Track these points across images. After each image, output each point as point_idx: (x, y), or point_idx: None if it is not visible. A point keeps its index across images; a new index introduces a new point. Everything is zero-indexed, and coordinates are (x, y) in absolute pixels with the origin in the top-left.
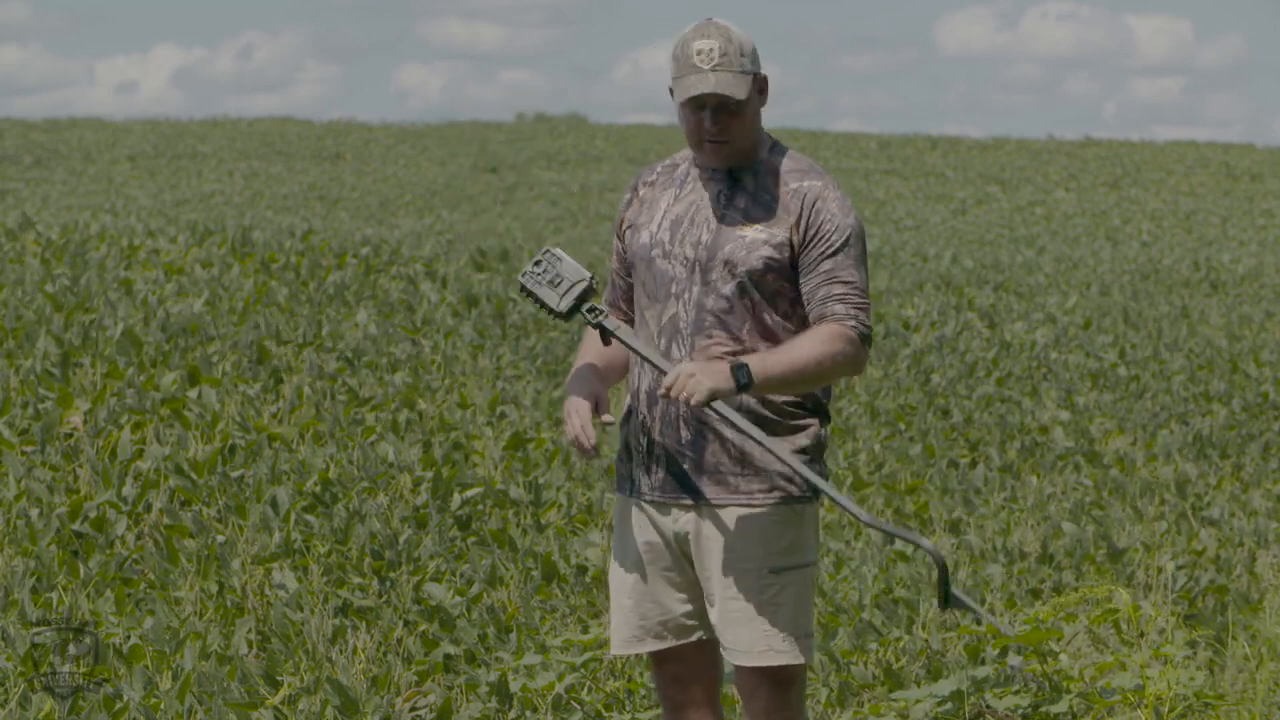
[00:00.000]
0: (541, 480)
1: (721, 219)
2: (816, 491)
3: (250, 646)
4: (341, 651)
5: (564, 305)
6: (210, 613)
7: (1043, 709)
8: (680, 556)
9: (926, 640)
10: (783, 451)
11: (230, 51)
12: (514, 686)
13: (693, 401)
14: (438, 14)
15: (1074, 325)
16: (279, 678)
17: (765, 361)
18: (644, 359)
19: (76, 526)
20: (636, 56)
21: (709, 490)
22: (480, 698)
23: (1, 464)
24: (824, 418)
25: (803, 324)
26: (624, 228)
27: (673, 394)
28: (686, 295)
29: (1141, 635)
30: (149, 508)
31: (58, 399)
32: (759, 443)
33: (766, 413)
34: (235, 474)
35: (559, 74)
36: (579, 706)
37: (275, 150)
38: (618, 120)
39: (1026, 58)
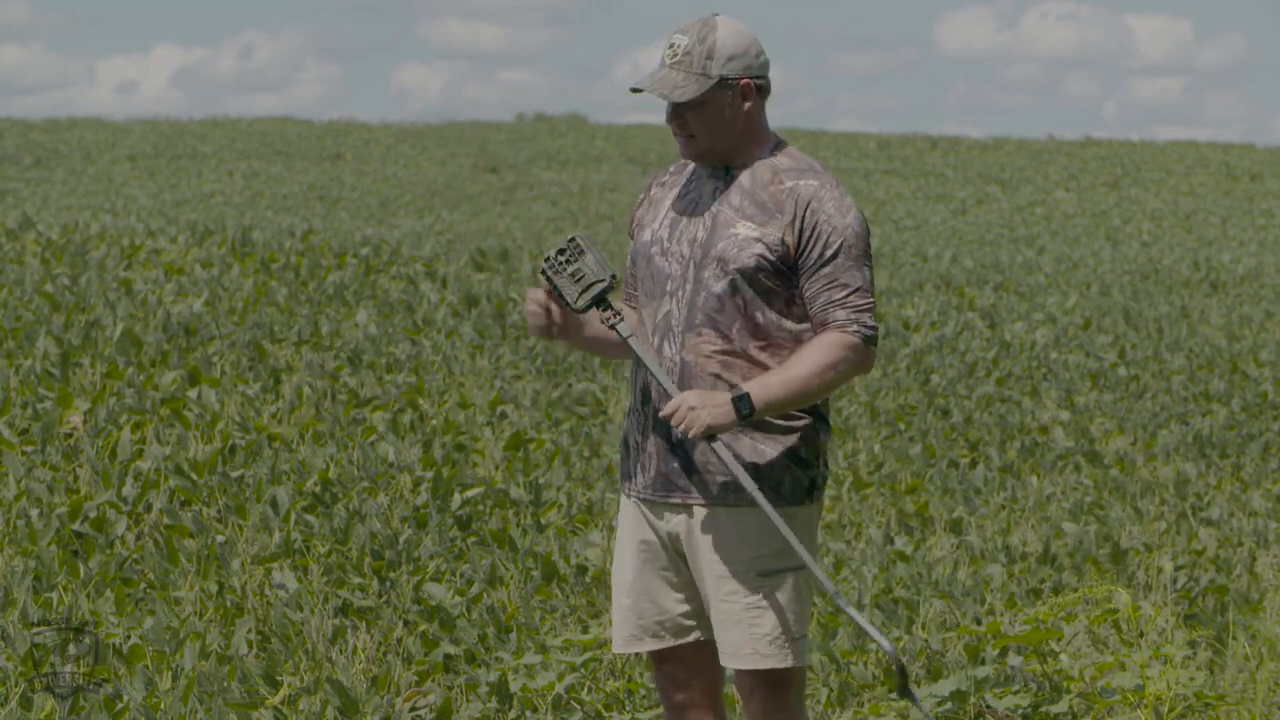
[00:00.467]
0: (541, 480)
1: (716, 216)
2: (811, 495)
3: (250, 646)
4: (341, 651)
5: (581, 303)
6: (210, 613)
7: (1043, 709)
8: (675, 556)
9: (926, 640)
10: (766, 505)
11: (230, 51)
12: (514, 686)
13: (690, 435)
14: (438, 14)
15: (1074, 325)
16: (279, 678)
17: (767, 387)
18: (651, 375)
19: (76, 526)
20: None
21: (698, 491)
22: (480, 698)
23: (1, 464)
24: (819, 418)
25: (797, 322)
26: (633, 226)
27: (671, 423)
28: (680, 292)
29: (1141, 635)
30: (149, 508)
31: (57, 399)
32: (747, 489)
33: None
34: (235, 474)
35: (559, 74)
36: (579, 706)
37: (275, 150)
38: (618, 120)
39: (1026, 58)
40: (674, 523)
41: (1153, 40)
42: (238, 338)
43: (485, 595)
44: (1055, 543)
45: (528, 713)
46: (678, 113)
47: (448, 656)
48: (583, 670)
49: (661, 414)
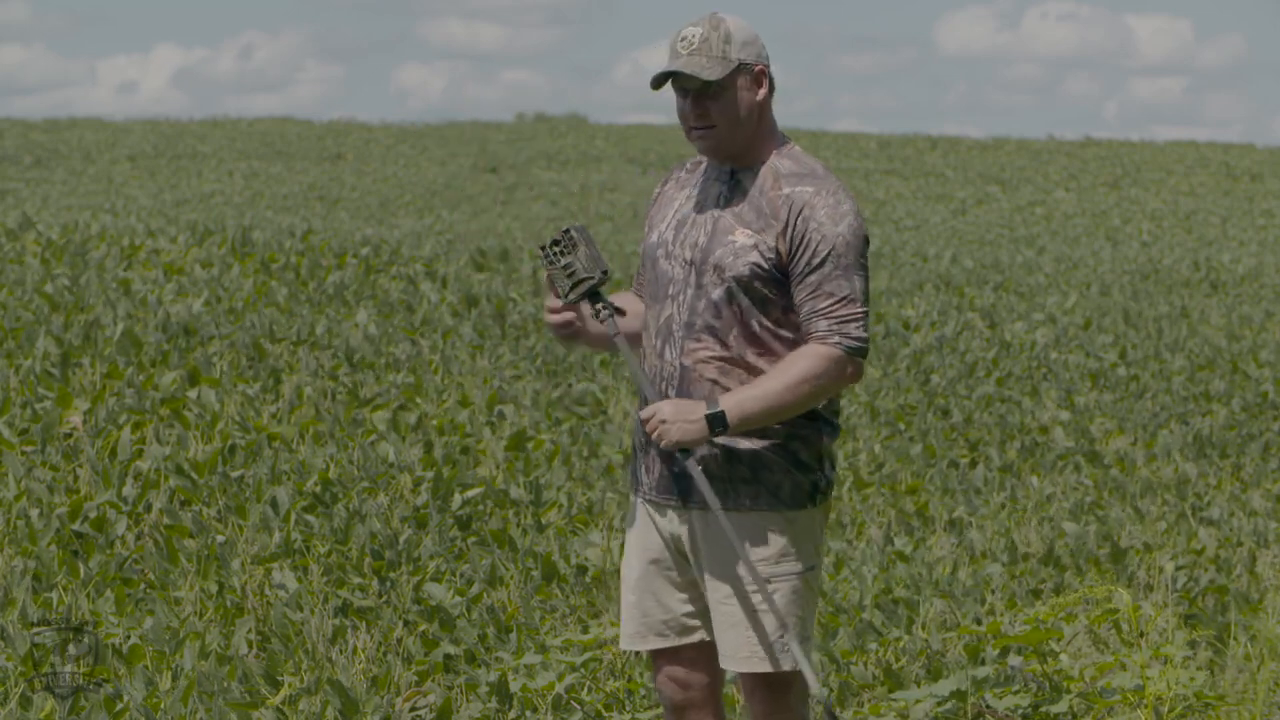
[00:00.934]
0: (542, 480)
1: (717, 221)
2: (814, 499)
3: (250, 646)
4: (341, 651)
5: (571, 297)
6: (210, 613)
7: (1043, 709)
8: (679, 556)
9: (926, 640)
10: (725, 523)
11: (231, 51)
12: (514, 686)
13: (661, 445)
14: (438, 14)
15: (1074, 325)
16: (279, 678)
17: (743, 403)
18: (635, 379)
19: (76, 526)
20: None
21: (698, 493)
22: (480, 698)
23: (1, 464)
24: (823, 421)
25: (794, 331)
26: (647, 224)
27: (646, 430)
28: (681, 297)
29: (1141, 635)
30: (149, 508)
31: (57, 399)
32: (711, 506)
33: None
34: (235, 474)
35: (559, 74)
36: (579, 706)
37: (275, 150)
38: (618, 120)
39: (1027, 58)
40: (677, 524)
41: (1153, 40)
42: (237, 338)
43: (485, 595)
44: (1056, 543)
45: (528, 713)
46: (699, 103)
47: (448, 656)
48: (583, 670)
49: (641, 416)
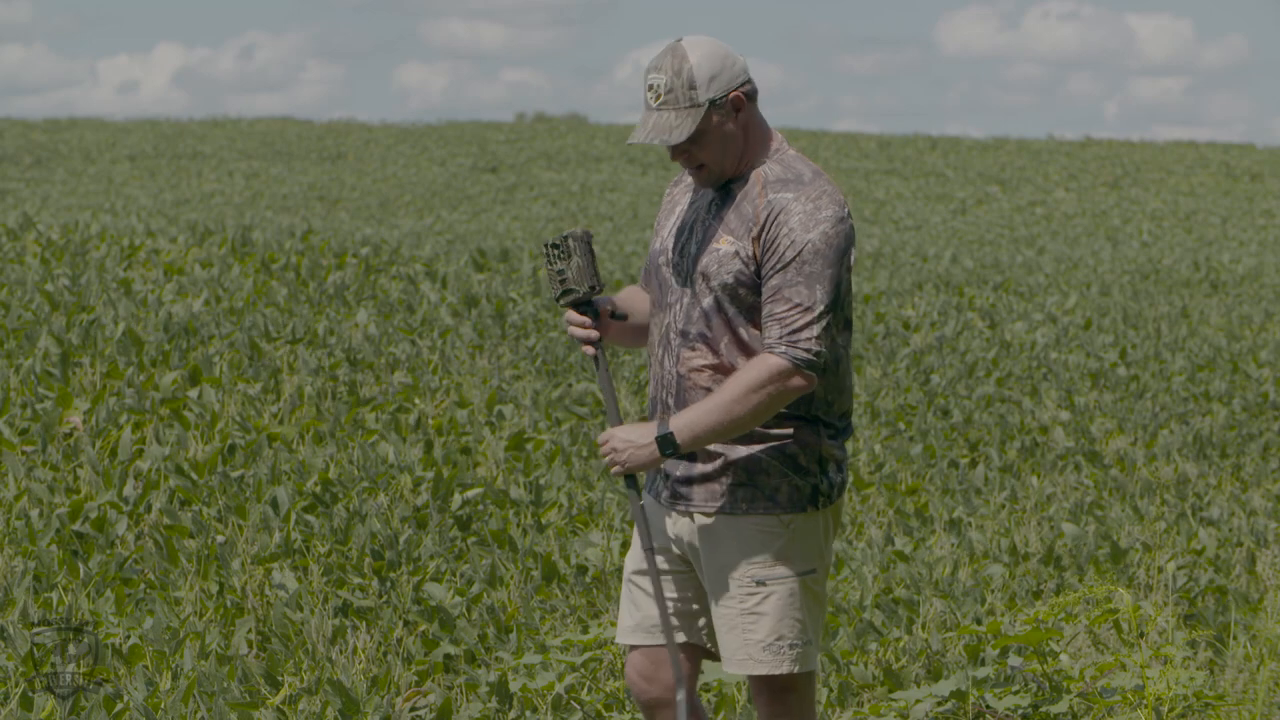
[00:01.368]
0: (542, 480)
1: (707, 229)
2: (815, 502)
3: (250, 646)
4: (341, 652)
5: (561, 304)
6: (210, 613)
7: (1043, 709)
8: (679, 558)
9: (926, 640)
10: (646, 552)
11: (232, 51)
12: (514, 686)
13: (612, 473)
14: (439, 14)
15: (1074, 325)
16: (279, 678)
17: (692, 422)
18: (604, 397)
19: (76, 526)
20: (637, 57)
21: (698, 497)
22: (480, 698)
23: (1, 464)
24: (823, 425)
25: None
26: (655, 228)
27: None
28: (678, 306)
29: (1141, 635)
30: (149, 508)
31: (57, 399)
32: (642, 540)
33: None
34: (235, 474)
35: (560, 74)
36: (579, 706)
37: (276, 150)
38: (618, 120)
39: (1028, 58)
40: (679, 527)
41: (1154, 40)
42: (238, 337)
43: (485, 595)
44: (1057, 543)
45: (528, 713)
46: (681, 153)
47: (448, 656)
48: (583, 670)
49: (598, 441)
